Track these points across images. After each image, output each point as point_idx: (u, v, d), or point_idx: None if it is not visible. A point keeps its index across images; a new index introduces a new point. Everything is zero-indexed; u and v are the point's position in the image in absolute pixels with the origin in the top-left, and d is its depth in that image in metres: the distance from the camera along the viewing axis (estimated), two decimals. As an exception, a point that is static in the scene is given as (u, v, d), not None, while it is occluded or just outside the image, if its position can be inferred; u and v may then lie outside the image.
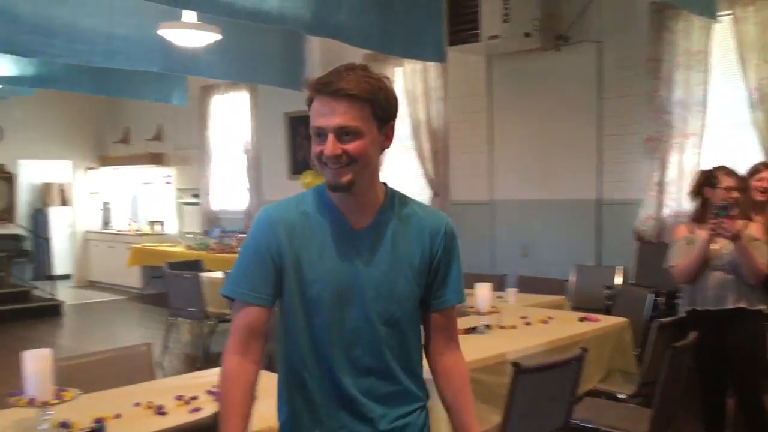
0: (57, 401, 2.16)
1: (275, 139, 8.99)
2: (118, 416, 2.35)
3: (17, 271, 10.54)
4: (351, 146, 1.49)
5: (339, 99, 1.49)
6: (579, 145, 6.23)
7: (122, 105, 11.34)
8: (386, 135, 1.57)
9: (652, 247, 5.58)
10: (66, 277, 11.74)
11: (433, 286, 1.64)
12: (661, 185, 5.58)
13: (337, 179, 1.52)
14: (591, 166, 6.13)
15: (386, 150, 1.60)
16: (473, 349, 3.23)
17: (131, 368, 2.94)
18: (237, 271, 1.60)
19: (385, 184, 1.65)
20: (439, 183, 7.21)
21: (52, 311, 9.08)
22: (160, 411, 2.41)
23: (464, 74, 7.05)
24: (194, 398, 2.54)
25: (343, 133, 1.49)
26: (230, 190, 9.79)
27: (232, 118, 9.57)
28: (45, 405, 2.14)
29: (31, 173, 12.10)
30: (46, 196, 12.35)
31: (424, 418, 1.68)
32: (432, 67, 7.19)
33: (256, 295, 1.56)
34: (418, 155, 7.32)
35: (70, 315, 9.22)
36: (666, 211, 5.60)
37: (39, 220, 12.07)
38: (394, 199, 1.64)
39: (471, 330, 3.59)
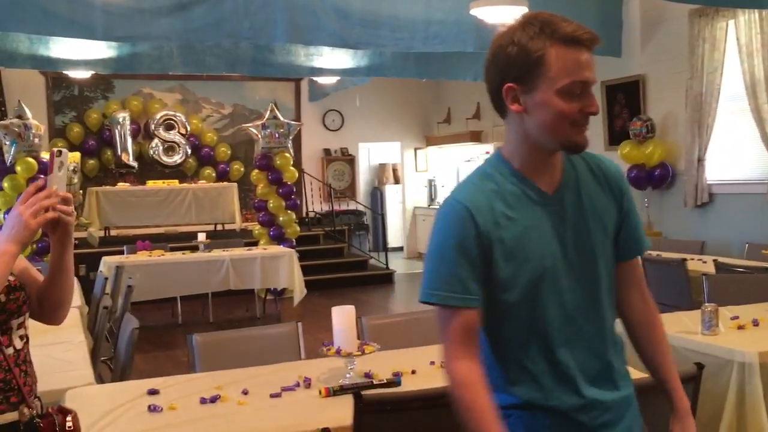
0: (359, 353, 2.42)
1: (591, 110, 8.68)
2: (413, 372, 2.54)
3: (357, 243, 11.86)
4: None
5: (591, 52, 1.40)
6: None
7: (444, 87, 11.99)
8: None
9: None
10: (399, 249, 12.87)
11: (625, 234, 1.54)
12: None
13: (585, 138, 1.43)
14: None
15: None
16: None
17: (432, 330, 3.13)
18: (439, 273, 1.43)
19: None
20: (781, 147, 6.30)
21: (385, 279, 10.05)
22: (451, 371, 2.55)
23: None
24: (484, 362, 2.63)
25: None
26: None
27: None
28: (350, 356, 2.41)
29: (369, 155, 13.47)
30: (381, 175, 13.65)
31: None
32: (771, 14, 6.29)
33: (470, 298, 1.41)
34: (755, 116, 6.47)
35: (400, 283, 10.10)
36: None
37: (376, 197, 13.39)
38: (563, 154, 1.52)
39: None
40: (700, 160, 7.07)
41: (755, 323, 2.99)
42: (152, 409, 2.23)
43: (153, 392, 2.40)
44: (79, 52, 7.38)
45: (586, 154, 1.53)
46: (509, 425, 1.45)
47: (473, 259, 1.41)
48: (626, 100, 8.20)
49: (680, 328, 3.01)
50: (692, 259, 5.03)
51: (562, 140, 1.42)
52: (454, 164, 12.48)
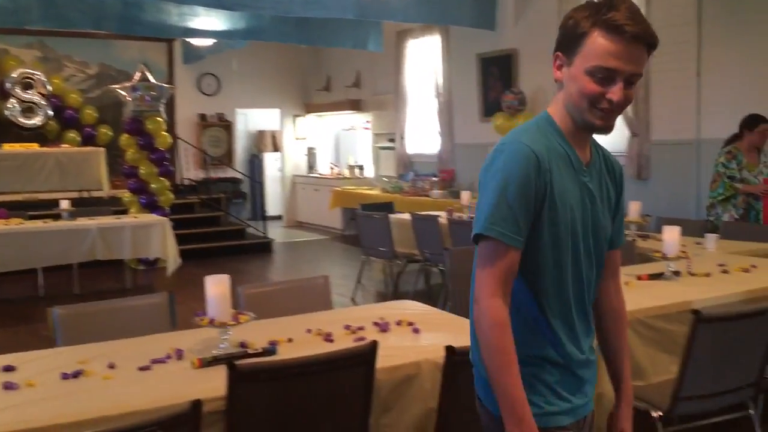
0: (233, 323, 2.37)
1: (467, 82, 8.90)
2: (290, 340, 2.52)
3: (235, 211, 11.61)
4: (631, 93, 1.47)
5: (643, 46, 1.44)
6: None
7: (324, 54, 11.87)
8: None
9: None
10: (278, 217, 12.73)
11: (615, 226, 1.66)
12: None
13: (606, 122, 1.49)
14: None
15: None
16: (655, 296, 3.04)
17: (309, 298, 3.13)
18: (498, 209, 1.44)
19: None
20: (638, 122, 6.73)
21: (264, 248, 9.91)
22: (328, 338, 2.55)
23: (670, 2, 6.44)
24: (361, 328, 2.66)
25: (631, 81, 1.46)
26: (424, 134, 9.91)
27: (425, 62, 9.62)
28: (224, 325, 2.35)
29: (246, 121, 13.15)
30: (260, 142, 13.38)
31: None
32: (633, -5, 6.65)
33: (521, 239, 1.46)
34: (616, 93, 6.87)
35: (280, 252, 10.00)
36: None
37: (254, 165, 13.13)
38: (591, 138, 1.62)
39: (656, 276, 3.36)
40: (567, 133, 7.43)
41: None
42: (7, 386, 2.08)
43: (9, 369, 2.24)
44: None
45: (603, 147, 1.65)
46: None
47: (531, 201, 1.45)
48: (500, 73, 8.46)
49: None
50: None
51: (581, 117, 1.50)
52: (334, 132, 12.46)
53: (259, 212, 12.04)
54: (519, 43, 8.14)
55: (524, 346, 1.49)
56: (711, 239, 4.24)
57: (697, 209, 6.25)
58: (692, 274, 3.43)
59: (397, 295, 6.36)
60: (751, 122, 5.06)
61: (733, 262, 3.73)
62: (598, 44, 1.42)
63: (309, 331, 2.64)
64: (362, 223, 6.70)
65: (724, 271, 3.52)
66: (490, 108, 8.49)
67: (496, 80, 8.52)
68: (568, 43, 1.48)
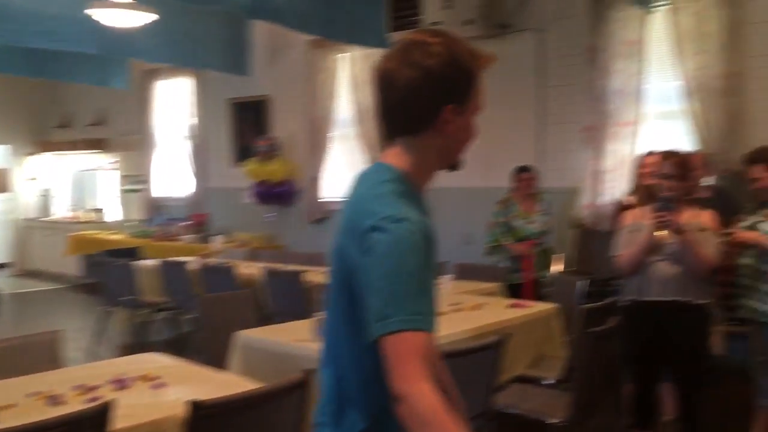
0: (-63, 391, 2.05)
1: (220, 125, 8.82)
2: (10, 406, 2.24)
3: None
4: None
5: None
6: (519, 134, 6.25)
7: (62, 88, 11.01)
8: None
9: (590, 235, 5.63)
10: (7, 265, 11.41)
11: None
12: (597, 174, 5.63)
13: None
14: (531, 154, 6.14)
15: None
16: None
17: (37, 357, 2.82)
18: (420, 296, 1.26)
19: None
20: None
21: (-14, 301, 8.79)
22: (56, 401, 2.31)
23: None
24: (95, 388, 2.45)
25: None
26: (174, 176, 9.59)
27: (176, 104, 9.37)
28: (-76, 396, 2.02)
29: (-32, 158, 11.70)
30: (-16, 182, 11.95)
31: None
32: (377, 53, 7.12)
33: (434, 320, 1.29)
34: (363, 142, 7.25)
35: (8, 304, 8.92)
36: (603, 199, 5.65)
37: (-23, 207, 11.68)
38: None
39: (398, 317, 3.54)
40: (316, 179, 7.68)
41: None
42: None
43: None
44: None
45: None
46: None
47: (429, 275, 1.31)
48: (253, 118, 8.51)
49: (296, 337, 3.19)
50: (310, 271, 5.34)
51: (455, 160, 1.45)
52: (73, 173, 11.55)
53: (-18, 260, 10.70)
54: (272, 90, 8.27)
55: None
56: (445, 280, 4.60)
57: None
58: (429, 314, 3.68)
59: (144, 347, 5.98)
60: (515, 173, 5.43)
61: (466, 300, 4.08)
62: (480, 83, 1.41)
63: (34, 394, 2.37)
64: (105, 271, 6.26)
65: (457, 310, 3.84)
66: (243, 152, 8.48)
67: (249, 125, 8.55)
68: (463, 91, 1.38)
